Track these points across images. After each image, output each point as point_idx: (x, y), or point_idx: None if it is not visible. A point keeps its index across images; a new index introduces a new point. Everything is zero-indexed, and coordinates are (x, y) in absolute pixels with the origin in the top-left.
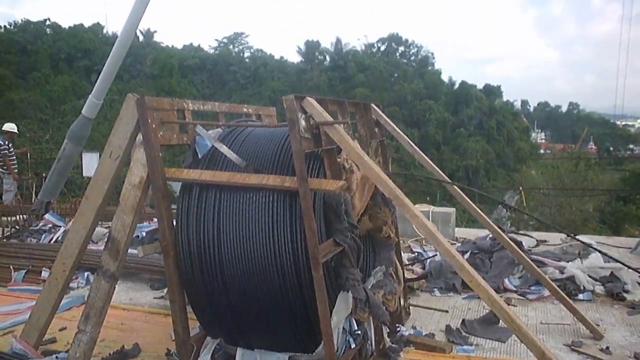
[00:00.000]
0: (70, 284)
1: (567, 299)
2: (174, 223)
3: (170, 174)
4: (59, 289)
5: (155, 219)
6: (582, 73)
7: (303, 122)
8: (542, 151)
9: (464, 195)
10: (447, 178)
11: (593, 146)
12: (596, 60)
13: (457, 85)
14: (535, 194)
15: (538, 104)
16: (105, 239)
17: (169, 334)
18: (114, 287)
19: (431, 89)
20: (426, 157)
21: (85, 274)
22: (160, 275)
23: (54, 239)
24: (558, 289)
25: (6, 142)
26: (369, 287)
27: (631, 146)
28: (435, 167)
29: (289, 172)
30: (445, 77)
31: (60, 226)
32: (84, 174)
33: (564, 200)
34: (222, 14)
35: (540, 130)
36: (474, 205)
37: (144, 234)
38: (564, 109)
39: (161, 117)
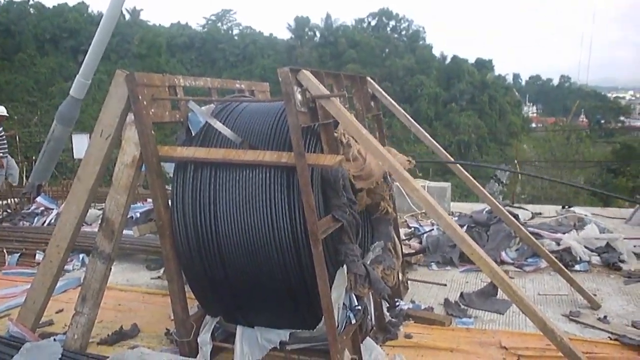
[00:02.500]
0: (66, 266)
1: (565, 269)
2: (169, 202)
3: (164, 152)
4: (54, 271)
5: (149, 200)
6: (575, 46)
7: (299, 96)
8: (533, 125)
9: (462, 169)
10: (445, 152)
11: (584, 119)
12: (588, 33)
13: (448, 60)
14: (528, 167)
15: (530, 78)
16: (99, 221)
17: (168, 313)
18: (110, 268)
19: (422, 64)
20: (423, 131)
21: (80, 256)
22: (157, 256)
23: (46, 222)
24: (556, 260)
25: None
26: (368, 263)
27: (622, 118)
28: (433, 140)
29: (285, 148)
30: (436, 52)
31: (53, 209)
32: (74, 156)
33: (556, 172)
34: None
35: (532, 104)
36: (472, 179)
37: (138, 214)
38: (556, 82)
39: (152, 94)
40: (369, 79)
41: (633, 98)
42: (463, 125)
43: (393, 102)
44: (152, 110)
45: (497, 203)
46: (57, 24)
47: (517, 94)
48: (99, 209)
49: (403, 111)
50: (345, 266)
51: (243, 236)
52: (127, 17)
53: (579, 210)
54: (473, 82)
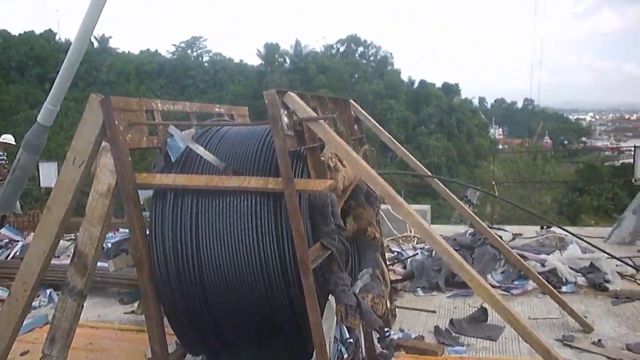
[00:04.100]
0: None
1: (555, 292)
2: (147, 233)
3: (142, 179)
4: (19, 311)
5: (122, 230)
6: (536, 70)
7: (286, 119)
8: (500, 146)
9: (448, 190)
10: (427, 171)
11: (548, 140)
12: (549, 58)
13: (416, 84)
14: (497, 188)
15: (495, 101)
16: (68, 253)
17: (144, 352)
18: (82, 306)
19: (391, 89)
20: (407, 152)
21: (48, 291)
22: (130, 289)
23: (11, 255)
24: (546, 282)
25: (3, 153)
26: (357, 291)
27: (584, 139)
28: (415, 160)
29: (271, 173)
30: (404, 77)
31: (18, 241)
32: (41, 185)
33: (523, 192)
34: (179, 19)
35: (498, 126)
36: (457, 199)
37: (109, 245)
38: (520, 105)
39: (129, 119)
40: (352, 101)
41: (593, 120)
42: (432, 147)
43: (376, 124)
44: (129, 135)
45: (484, 224)
46: (23, 52)
47: (483, 116)
48: (67, 240)
49: (386, 133)
50: (334, 296)
51: (227, 267)
52: (96, 44)
53: (559, 230)
54: (441, 106)
